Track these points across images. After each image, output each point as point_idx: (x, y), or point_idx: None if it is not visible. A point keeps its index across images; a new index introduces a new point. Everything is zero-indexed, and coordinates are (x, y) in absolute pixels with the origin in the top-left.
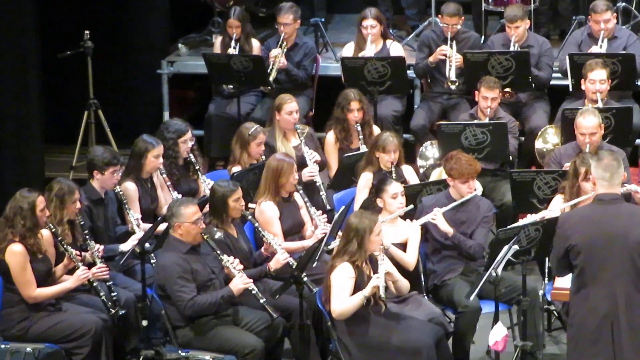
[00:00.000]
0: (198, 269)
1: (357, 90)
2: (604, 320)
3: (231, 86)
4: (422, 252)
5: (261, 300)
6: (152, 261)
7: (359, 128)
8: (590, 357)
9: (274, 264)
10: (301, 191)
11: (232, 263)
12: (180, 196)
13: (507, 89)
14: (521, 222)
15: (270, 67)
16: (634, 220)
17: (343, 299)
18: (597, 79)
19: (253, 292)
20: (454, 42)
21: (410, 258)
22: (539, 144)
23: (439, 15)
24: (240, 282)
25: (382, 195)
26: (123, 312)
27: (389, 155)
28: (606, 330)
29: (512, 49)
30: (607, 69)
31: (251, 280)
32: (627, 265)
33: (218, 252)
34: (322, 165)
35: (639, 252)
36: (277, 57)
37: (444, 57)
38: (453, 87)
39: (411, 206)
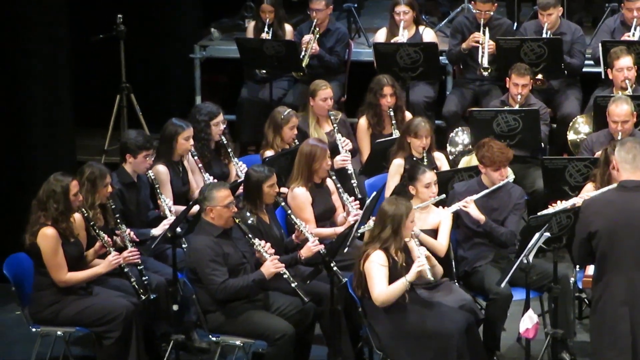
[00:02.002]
0: (230, 253)
1: (390, 76)
2: (622, 307)
3: (263, 71)
4: (453, 239)
5: (293, 284)
6: (183, 245)
7: (392, 113)
8: (608, 345)
9: (305, 252)
10: (334, 177)
11: (263, 247)
12: (211, 178)
13: (539, 76)
14: (551, 209)
15: (303, 53)
16: None
17: (383, 286)
18: (625, 66)
19: (285, 276)
20: (487, 28)
21: (441, 244)
22: (571, 135)
23: (472, 2)
24: (272, 265)
25: (415, 183)
26: (154, 296)
27: (420, 140)
28: (624, 317)
29: (544, 36)
30: (633, 55)
31: (283, 264)
32: None
33: (250, 235)
34: (354, 152)
35: None
36: (310, 43)
37: (476, 44)
38: (486, 73)
39: (443, 196)
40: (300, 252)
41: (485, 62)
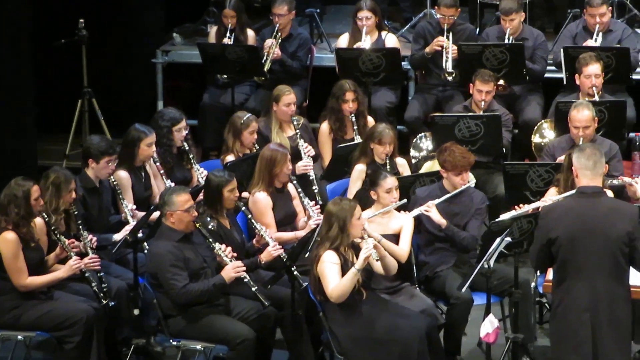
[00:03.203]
0: (190, 258)
1: (352, 81)
2: (584, 314)
3: (225, 76)
4: (414, 243)
5: (253, 288)
6: (145, 250)
7: (354, 119)
8: (569, 350)
9: (265, 256)
10: (295, 182)
11: (224, 251)
12: (173, 185)
13: (501, 82)
14: (512, 212)
15: (265, 58)
16: (616, 215)
17: (336, 282)
18: (593, 73)
19: (245, 280)
20: (450, 33)
21: (403, 250)
22: (536, 139)
23: (436, 7)
24: (232, 269)
25: (376, 189)
26: (113, 303)
27: (384, 147)
28: (586, 323)
29: (507, 41)
30: (601, 62)
31: (243, 268)
32: (608, 260)
33: (210, 240)
34: (316, 157)
35: (620, 247)
36: (272, 48)
37: (440, 49)
38: (450, 78)
39: (404, 201)
40: (260, 257)
41: (449, 67)
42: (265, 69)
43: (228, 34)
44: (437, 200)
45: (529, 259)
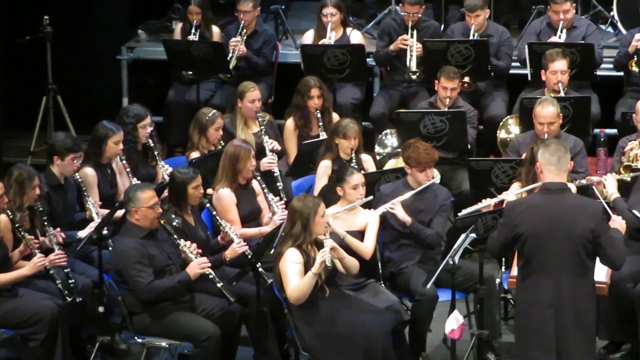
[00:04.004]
0: (155, 255)
1: (317, 78)
2: (547, 310)
3: (190, 72)
4: (379, 240)
5: (218, 285)
6: (109, 247)
7: (319, 115)
8: (533, 346)
9: (230, 253)
10: (259, 178)
11: (189, 247)
12: (138, 181)
13: (466, 79)
14: (477, 206)
15: (230, 55)
16: (580, 212)
17: (295, 283)
18: (559, 70)
19: (210, 276)
20: (415, 31)
21: (368, 247)
22: (501, 134)
23: (400, 4)
24: (197, 266)
25: (342, 184)
26: (79, 299)
27: (349, 141)
28: (550, 319)
29: (471, 35)
30: (567, 58)
31: (208, 264)
32: (572, 256)
33: (175, 236)
34: (281, 154)
35: (584, 244)
36: (237, 45)
37: (404, 47)
38: (414, 77)
39: (370, 197)
40: (225, 253)
41: (413, 66)
42: (230, 66)
43: (193, 31)
44: (402, 198)
45: (488, 246)
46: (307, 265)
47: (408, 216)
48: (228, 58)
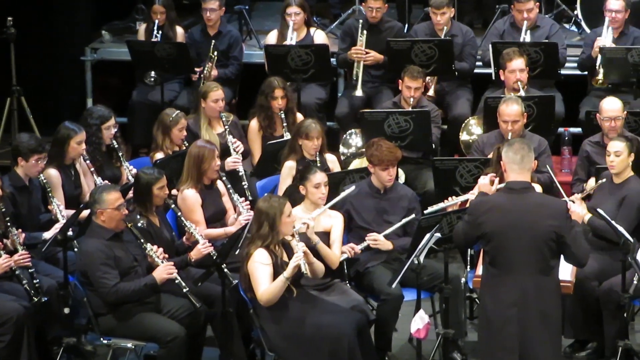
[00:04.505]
0: (120, 256)
1: (281, 78)
2: (510, 309)
3: (152, 79)
4: (345, 240)
5: (184, 290)
6: (75, 249)
7: (283, 116)
8: (497, 345)
9: (195, 254)
10: (224, 178)
11: (155, 252)
12: (102, 182)
13: (430, 92)
14: (442, 204)
15: (202, 81)
16: (544, 211)
17: (266, 285)
18: (517, 68)
19: (176, 281)
20: (365, 33)
21: (336, 256)
22: (463, 136)
23: (363, 3)
24: (164, 271)
25: (305, 183)
26: (45, 299)
27: (312, 141)
28: (513, 318)
29: (441, 35)
30: (525, 57)
31: (175, 270)
32: (536, 255)
33: (142, 240)
34: (246, 154)
35: (548, 243)
36: (209, 70)
37: (357, 58)
38: (359, 94)
39: (341, 196)
40: (190, 254)
41: (359, 87)
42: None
43: (155, 32)
44: (385, 232)
45: (454, 238)
46: (276, 266)
47: (389, 243)
48: (201, 83)
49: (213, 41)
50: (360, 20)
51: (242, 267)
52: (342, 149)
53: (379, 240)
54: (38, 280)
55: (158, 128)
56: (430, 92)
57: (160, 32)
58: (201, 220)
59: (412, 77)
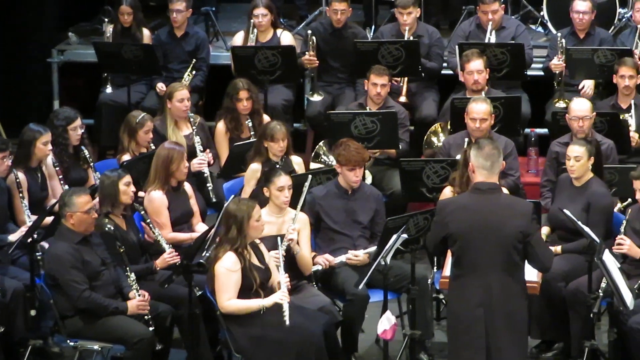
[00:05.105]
0: (89, 260)
1: (246, 80)
2: (477, 309)
3: (110, 90)
4: (312, 241)
5: (146, 317)
6: (40, 252)
7: (248, 119)
8: (464, 345)
9: (160, 263)
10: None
11: (137, 288)
12: (67, 187)
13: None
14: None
15: None
16: (510, 212)
17: (232, 295)
18: (475, 69)
19: (145, 317)
20: (313, 40)
21: (308, 258)
22: (429, 139)
23: (327, 7)
24: (137, 307)
25: (269, 185)
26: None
27: (277, 144)
28: (479, 319)
29: (406, 35)
30: (485, 58)
31: (148, 308)
32: (502, 256)
33: (127, 268)
34: (213, 158)
35: (514, 244)
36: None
37: (310, 65)
38: (314, 97)
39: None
40: (156, 263)
41: (311, 92)
42: None
43: (120, 31)
44: (367, 250)
45: (426, 243)
46: (245, 270)
47: (366, 257)
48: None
49: (194, 59)
50: (310, 31)
51: (210, 268)
52: (312, 164)
53: (359, 256)
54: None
55: (124, 130)
56: (402, 99)
57: (128, 33)
58: (167, 223)
59: (377, 74)
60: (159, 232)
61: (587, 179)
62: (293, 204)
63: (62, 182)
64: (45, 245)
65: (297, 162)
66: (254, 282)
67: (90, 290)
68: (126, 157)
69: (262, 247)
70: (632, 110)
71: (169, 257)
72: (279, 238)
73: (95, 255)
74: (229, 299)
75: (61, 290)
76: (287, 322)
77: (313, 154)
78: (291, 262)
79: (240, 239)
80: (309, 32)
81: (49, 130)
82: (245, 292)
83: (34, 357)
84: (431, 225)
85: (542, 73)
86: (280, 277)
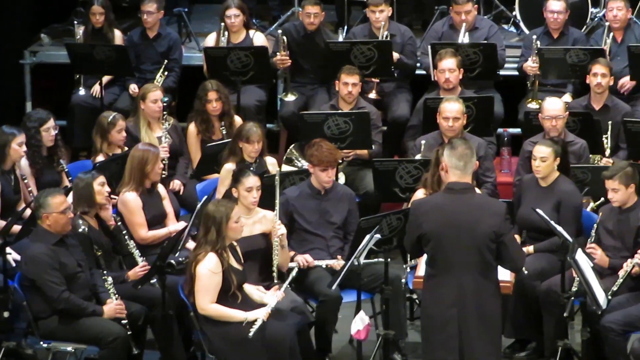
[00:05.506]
0: (66, 262)
1: (216, 81)
2: (450, 309)
3: (83, 93)
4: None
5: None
6: (11, 254)
7: (222, 125)
8: (437, 345)
9: (132, 275)
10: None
11: (114, 292)
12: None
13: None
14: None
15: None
16: (483, 212)
17: (213, 298)
18: (447, 68)
19: (122, 322)
20: (284, 39)
21: (288, 254)
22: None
23: (299, 11)
24: (115, 311)
25: (237, 186)
26: None
27: (252, 145)
28: (452, 319)
29: (380, 33)
30: (458, 58)
31: (125, 312)
32: (475, 256)
33: (105, 272)
34: (177, 155)
35: (487, 243)
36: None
37: (282, 65)
38: (286, 98)
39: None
40: (128, 274)
41: (285, 94)
42: None
43: (91, 31)
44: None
45: (404, 245)
46: (226, 273)
47: (339, 259)
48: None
49: (166, 60)
50: (280, 31)
51: (189, 269)
52: (285, 166)
53: (339, 260)
54: None
55: (97, 132)
56: (372, 95)
57: (99, 34)
58: (143, 223)
59: (348, 73)
60: (134, 244)
61: (553, 178)
62: (266, 204)
63: (33, 192)
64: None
65: (271, 162)
66: (232, 284)
67: (69, 292)
68: (100, 158)
69: (239, 249)
70: (609, 132)
71: (140, 270)
72: (293, 270)
73: (71, 257)
74: (211, 302)
75: (37, 291)
76: (250, 336)
77: (285, 158)
78: (266, 261)
79: (220, 240)
80: (279, 32)
81: (23, 132)
82: (222, 294)
83: (7, 359)
84: (406, 226)
85: (515, 73)
86: (272, 299)
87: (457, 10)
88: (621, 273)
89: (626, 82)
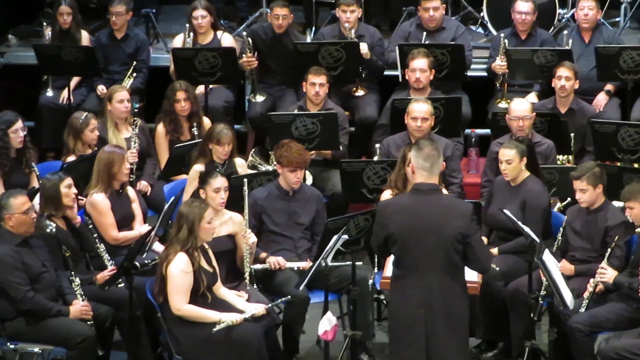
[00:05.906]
0: (30, 263)
1: (184, 82)
2: (417, 310)
3: (50, 94)
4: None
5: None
6: None
7: (193, 126)
8: (404, 346)
9: (101, 278)
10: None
11: (78, 290)
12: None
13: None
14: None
15: None
16: (450, 213)
17: (186, 299)
18: (418, 68)
19: (88, 323)
20: (249, 41)
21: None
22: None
23: (267, 13)
24: (80, 312)
25: (205, 187)
26: None
27: (222, 147)
28: (420, 319)
29: (352, 33)
30: (429, 58)
31: (91, 314)
32: (442, 257)
33: (72, 273)
34: (145, 156)
35: (453, 244)
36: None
37: (251, 66)
38: (258, 98)
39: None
40: (97, 277)
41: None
42: None
43: (58, 31)
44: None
45: (372, 246)
46: (196, 273)
47: (308, 261)
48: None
49: (134, 62)
50: (245, 33)
51: (159, 269)
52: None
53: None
54: None
55: (69, 133)
56: (360, 92)
57: (66, 35)
58: (113, 223)
59: (315, 73)
60: (104, 247)
61: (522, 178)
62: (233, 206)
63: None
64: None
65: (240, 164)
66: (201, 285)
67: (33, 292)
68: (72, 159)
69: (210, 252)
70: (572, 138)
71: (109, 272)
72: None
73: (35, 258)
74: (184, 302)
75: (2, 292)
76: (213, 331)
77: (248, 165)
78: (234, 262)
79: (191, 240)
80: (244, 33)
81: None
82: (192, 294)
83: None
84: (373, 227)
85: (483, 74)
86: (252, 309)
87: (425, 6)
88: (586, 294)
89: (602, 99)
